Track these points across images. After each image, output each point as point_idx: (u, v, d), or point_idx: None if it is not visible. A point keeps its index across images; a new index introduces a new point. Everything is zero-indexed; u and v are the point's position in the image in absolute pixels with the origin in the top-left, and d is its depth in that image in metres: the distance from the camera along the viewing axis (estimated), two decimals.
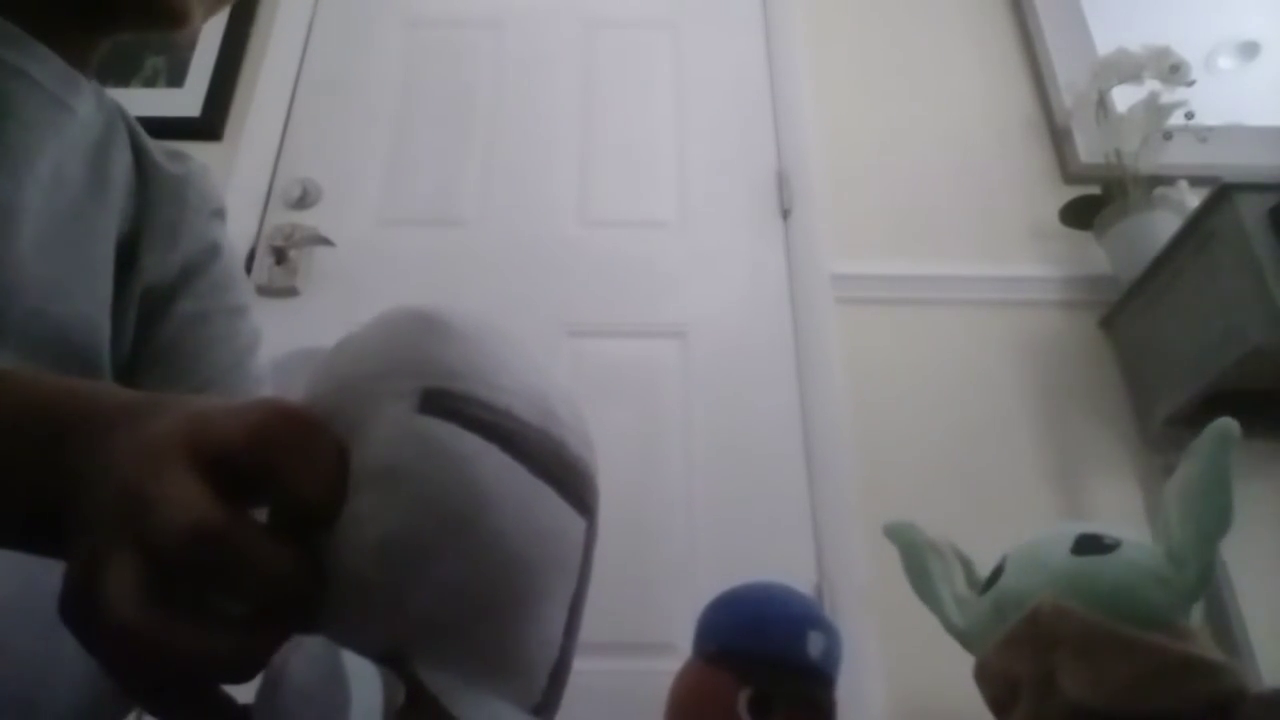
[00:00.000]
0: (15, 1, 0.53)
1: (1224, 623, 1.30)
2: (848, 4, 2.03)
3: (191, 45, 1.90)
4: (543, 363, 0.31)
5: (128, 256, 0.59)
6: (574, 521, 0.29)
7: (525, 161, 1.81)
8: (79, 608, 0.25)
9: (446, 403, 0.27)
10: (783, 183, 1.79)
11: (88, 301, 0.55)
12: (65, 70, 0.55)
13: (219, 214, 0.66)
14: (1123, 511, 1.52)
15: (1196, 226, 1.42)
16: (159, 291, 0.60)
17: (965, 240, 1.76)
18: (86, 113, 0.57)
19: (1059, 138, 1.87)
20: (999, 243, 1.76)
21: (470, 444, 0.26)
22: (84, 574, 0.25)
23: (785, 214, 1.76)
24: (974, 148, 1.87)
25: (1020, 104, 1.94)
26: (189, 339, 0.60)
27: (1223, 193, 1.36)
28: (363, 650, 0.24)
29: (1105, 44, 1.89)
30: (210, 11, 0.59)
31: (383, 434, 0.27)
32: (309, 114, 1.85)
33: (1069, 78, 1.89)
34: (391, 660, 0.25)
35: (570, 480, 0.28)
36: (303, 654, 0.22)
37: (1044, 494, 1.52)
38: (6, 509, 0.30)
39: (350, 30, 1.96)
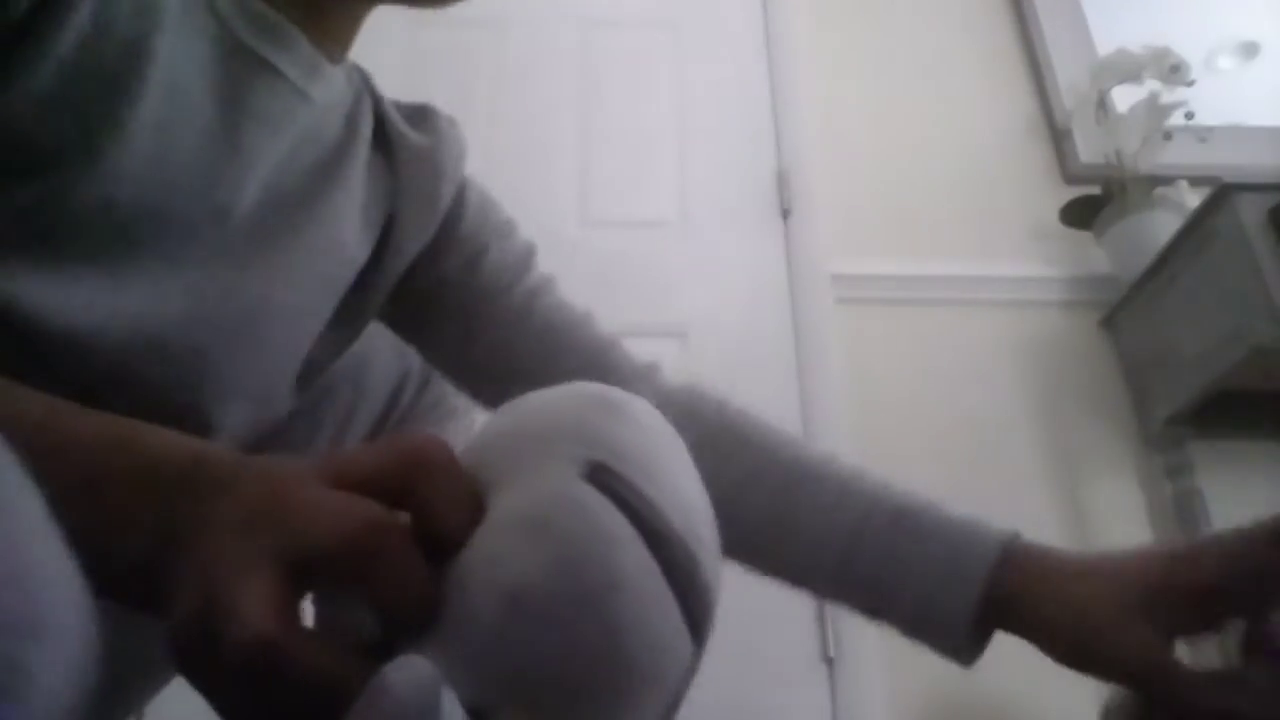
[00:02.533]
0: None
1: None
2: (848, 4, 2.03)
3: None
4: (701, 482, 0.30)
5: (383, 240, 0.59)
6: (686, 643, 0.28)
7: (525, 161, 1.80)
8: (198, 633, 0.23)
9: (609, 480, 0.27)
10: (783, 183, 1.79)
11: (294, 289, 0.53)
12: (311, 56, 0.52)
13: (463, 155, 0.70)
14: (1123, 511, 1.52)
15: (1196, 226, 1.42)
16: (422, 257, 0.63)
17: (965, 240, 1.76)
18: (326, 98, 0.54)
19: (1059, 138, 1.87)
20: (999, 243, 1.76)
21: (621, 527, 0.26)
22: (205, 598, 0.23)
23: (785, 214, 1.76)
24: (974, 148, 1.87)
25: (1020, 104, 1.94)
26: (477, 286, 0.65)
27: (1223, 193, 1.36)
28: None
29: (1105, 44, 1.89)
30: None
31: (541, 487, 0.27)
32: None
33: (1069, 78, 1.89)
34: (475, 713, 0.24)
35: (694, 602, 0.28)
36: (410, 673, 0.22)
37: (1044, 494, 1.52)
38: (122, 556, 0.27)
39: None
